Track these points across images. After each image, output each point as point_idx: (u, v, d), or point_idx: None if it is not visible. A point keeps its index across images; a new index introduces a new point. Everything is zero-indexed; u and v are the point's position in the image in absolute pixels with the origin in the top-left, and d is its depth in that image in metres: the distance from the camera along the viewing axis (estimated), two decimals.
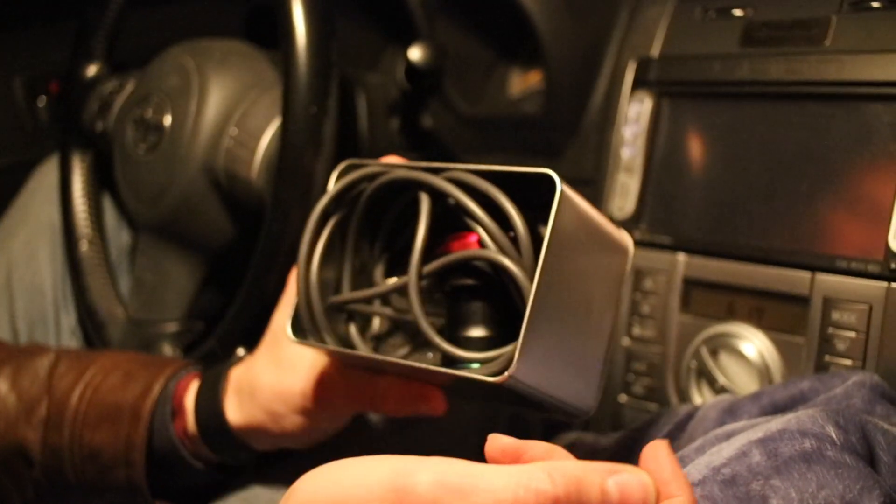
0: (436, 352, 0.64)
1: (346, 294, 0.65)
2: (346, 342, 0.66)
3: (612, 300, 0.61)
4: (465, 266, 0.59)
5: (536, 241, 0.56)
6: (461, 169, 0.59)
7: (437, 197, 0.60)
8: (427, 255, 0.60)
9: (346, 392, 0.70)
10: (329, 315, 0.65)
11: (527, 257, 0.56)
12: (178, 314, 1.04)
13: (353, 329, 0.67)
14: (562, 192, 0.55)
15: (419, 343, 0.67)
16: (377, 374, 0.69)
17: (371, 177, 0.63)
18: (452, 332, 0.60)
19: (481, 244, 0.58)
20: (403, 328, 0.68)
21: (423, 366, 0.59)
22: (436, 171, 0.60)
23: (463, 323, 0.60)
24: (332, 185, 0.64)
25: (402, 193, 0.65)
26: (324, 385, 0.71)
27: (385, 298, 0.68)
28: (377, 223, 0.68)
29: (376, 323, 0.68)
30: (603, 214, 0.61)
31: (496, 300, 0.60)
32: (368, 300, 0.66)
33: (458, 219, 0.59)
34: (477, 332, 0.60)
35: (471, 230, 0.59)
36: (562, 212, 0.55)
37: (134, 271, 1.10)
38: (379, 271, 0.68)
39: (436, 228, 0.61)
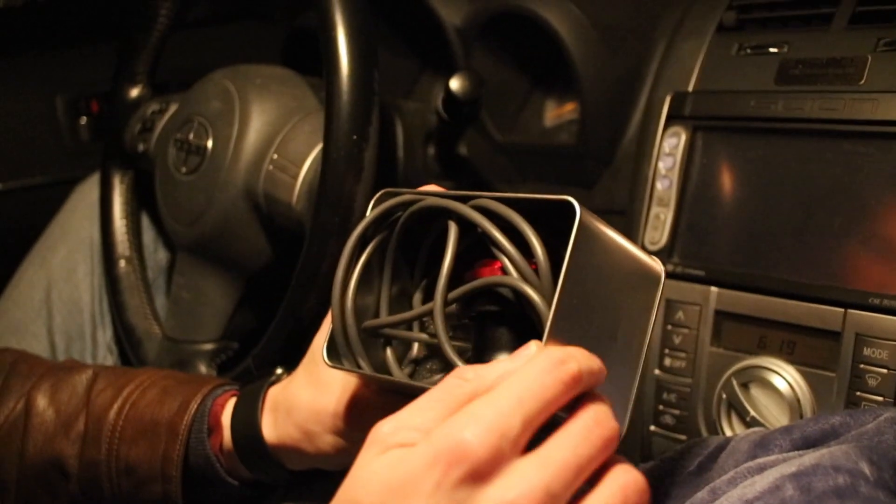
0: None
1: (380, 319, 0.66)
2: (383, 367, 0.67)
3: (642, 327, 0.61)
4: (491, 293, 0.60)
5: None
6: (488, 197, 0.60)
7: (467, 225, 0.61)
8: (458, 282, 0.61)
9: (381, 415, 0.71)
10: (365, 340, 0.66)
11: (546, 284, 0.56)
12: (214, 334, 1.05)
13: (389, 354, 0.67)
14: (580, 217, 0.55)
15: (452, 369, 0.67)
16: (412, 398, 0.70)
17: (406, 204, 0.64)
18: (479, 358, 0.61)
19: (505, 271, 0.59)
20: (439, 354, 0.69)
21: None
22: (465, 199, 0.61)
23: (489, 349, 0.61)
24: (370, 212, 0.65)
25: (438, 221, 0.66)
26: (357, 406, 0.72)
27: (423, 324, 0.69)
28: (415, 250, 0.69)
29: (415, 349, 0.69)
30: (633, 242, 0.61)
31: (522, 327, 0.60)
32: (400, 325, 0.67)
33: (484, 250, 0.60)
34: (502, 357, 0.60)
35: (496, 260, 0.60)
36: (581, 238, 0.55)
37: (171, 290, 1.11)
38: (417, 298, 0.68)
39: (470, 256, 0.62)
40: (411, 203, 0.64)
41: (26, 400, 0.80)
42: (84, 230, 1.20)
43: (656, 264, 0.62)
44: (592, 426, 0.49)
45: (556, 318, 0.54)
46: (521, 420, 0.47)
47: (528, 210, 0.58)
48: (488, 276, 0.60)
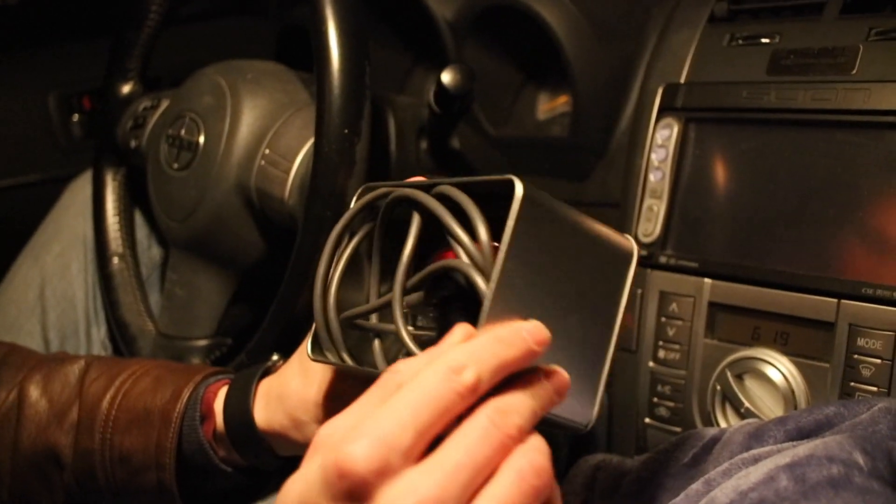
0: None
1: (354, 310, 0.66)
2: (371, 360, 0.67)
3: (612, 308, 0.60)
4: (449, 279, 0.59)
5: None
6: (446, 182, 0.59)
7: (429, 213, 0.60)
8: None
9: None
10: (350, 333, 0.65)
11: (489, 265, 0.54)
12: (208, 330, 1.05)
13: (377, 346, 0.67)
14: (523, 194, 0.53)
15: None
16: None
17: (384, 196, 0.64)
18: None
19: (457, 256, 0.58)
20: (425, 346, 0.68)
21: None
22: (428, 188, 0.60)
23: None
24: (352, 205, 0.66)
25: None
26: (335, 397, 0.72)
27: (414, 317, 0.69)
28: (402, 245, 0.69)
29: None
30: (600, 223, 0.60)
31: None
32: (369, 314, 0.66)
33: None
34: None
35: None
36: (526, 216, 0.53)
37: (164, 287, 1.11)
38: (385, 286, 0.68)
39: (434, 246, 0.62)
40: (388, 195, 0.63)
41: (19, 391, 0.80)
42: (77, 227, 1.20)
43: (627, 242, 0.61)
44: (488, 425, 0.47)
45: (495, 301, 0.52)
46: (412, 431, 0.46)
47: (484, 194, 0.57)
48: (438, 262, 0.59)
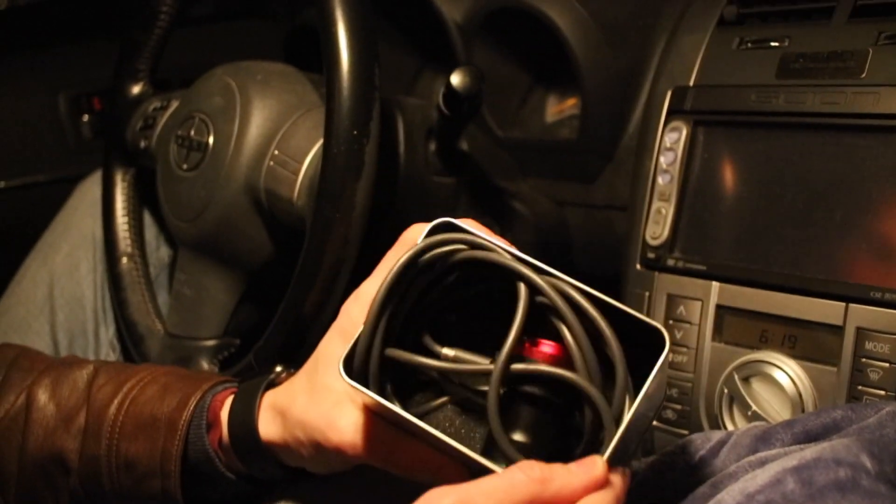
0: (479, 437, 0.64)
1: (412, 356, 0.62)
2: (385, 392, 0.64)
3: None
4: (548, 378, 0.59)
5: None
6: (571, 284, 0.58)
7: (532, 295, 0.59)
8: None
9: (363, 440, 0.69)
10: (381, 366, 0.63)
11: (619, 402, 0.56)
12: (216, 331, 1.05)
13: (389, 387, 0.64)
14: (668, 351, 0.55)
15: (465, 420, 0.65)
16: (407, 433, 0.69)
17: (468, 244, 0.61)
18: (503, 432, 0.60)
19: (572, 365, 0.57)
20: (455, 401, 0.66)
21: (473, 455, 0.58)
22: (538, 270, 0.59)
23: (518, 428, 0.60)
24: (422, 239, 0.61)
25: (493, 276, 0.62)
26: (338, 429, 0.69)
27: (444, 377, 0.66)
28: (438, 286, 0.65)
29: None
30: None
31: (555, 416, 0.60)
32: (432, 369, 0.64)
33: (539, 319, 0.59)
34: (523, 437, 0.59)
35: (552, 338, 0.59)
36: (661, 370, 0.56)
37: (173, 287, 1.11)
38: (427, 336, 0.65)
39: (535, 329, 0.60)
40: (475, 245, 0.60)
41: (27, 395, 0.80)
42: (86, 227, 1.20)
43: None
44: None
45: (620, 441, 0.55)
46: None
47: (604, 312, 0.57)
48: (566, 371, 0.57)
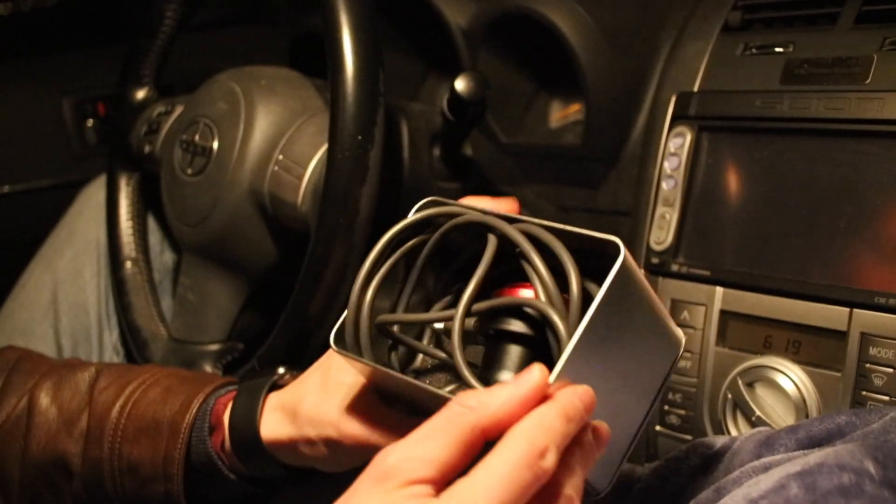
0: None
1: (396, 315, 0.66)
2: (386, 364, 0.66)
3: (652, 389, 0.61)
4: (513, 313, 0.60)
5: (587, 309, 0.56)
6: (534, 223, 0.60)
7: (505, 248, 0.61)
8: (479, 299, 0.61)
9: (377, 426, 0.70)
10: (374, 337, 0.65)
11: (574, 318, 0.55)
12: (220, 335, 1.05)
13: (394, 358, 0.67)
14: (623, 258, 0.55)
15: (458, 386, 0.66)
16: (412, 414, 0.69)
17: (450, 215, 0.64)
18: (486, 374, 0.61)
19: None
20: (446, 368, 0.68)
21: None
22: (510, 221, 0.61)
23: (496, 367, 0.61)
24: (412, 216, 0.65)
25: (475, 241, 0.65)
26: (357, 416, 0.70)
27: (437, 339, 0.68)
28: (446, 264, 0.68)
29: (418, 359, 0.69)
30: (663, 305, 0.61)
31: (534, 353, 0.60)
32: (412, 328, 0.66)
33: (517, 275, 0.60)
34: (509, 377, 0.60)
35: (527, 283, 0.59)
36: (619, 279, 0.55)
37: (177, 291, 1.12)
38: (437, 308, 0.68)
39: (492, 280, 0.62)
40: (455, 214, 0.63)
41: (29, 397, 0.80)
42: (90, 232, 1.21)
43: (678, 332, 0.62)
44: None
45: (575, 352, 0.54)
46: None
47: (569, 244, 0.58)
48: (519, 296, 0.59)
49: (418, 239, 0.66)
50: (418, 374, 0.68)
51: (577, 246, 0.58)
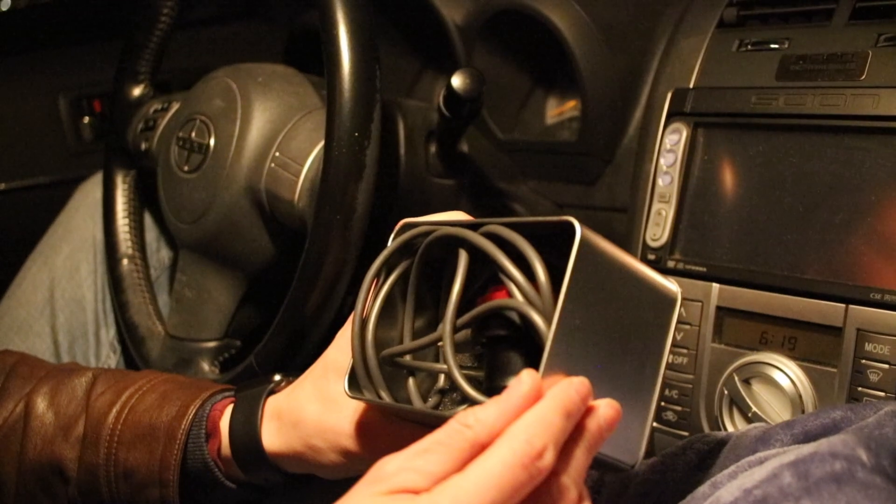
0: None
1: (396, 347, 0.65)
2: (407, 398, 0.66)
3: (658, 351, 0.60)
4: (501, 317, 0.60)
5: None
6: (496, 222, 0.59)
7: (478, 253, 0.60)
8: (470, 308, 0.61)
9: (389, 442, 0.70)
10: (387, 370, 0.65)
11: (548, 306, 0.55)
12: (217, 332, 1.05)
13: (411, 384, 0.66)
14: (581, 236, 0.54)
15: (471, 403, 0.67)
16: (433, 429, 0.69)
17: (424, 235, 0.63)
18: (491, 383, 0.61)
19: (511, 296, 0.58)
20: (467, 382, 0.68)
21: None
22: (479, 226, 0.60)
23: (500, 374, 0.60)
24: (390, 244, 0.65)
25: (456, 253, 0.64)
26: (367, 432, 0.70)
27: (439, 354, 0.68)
28: (439, 280, 0.68)
29: (441, 379, 0.68)
30: (646, 264, 0.61)
31: (532, 351, 0.59)
32: (419, 353, 0.66)
33: (499, 278, 0.60)
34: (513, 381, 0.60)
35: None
36: (583, 257, 0.54)
37: (173, 288, 1.11)
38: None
39: (481, 287, 0.62)
40: (428, 233, 0.63)
41: (25, 402, 0.80)
42: (87, 229, 1.20)
43: (672, 285, 0.62)
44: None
45: (556, 341, 0.53)
46: None
47: (536, 234, 0.57)
48: (492, 301, 0.59)
49: (405, 264, 0.66)
50: (444, 392, 0.68)
51: (543, 232, 0.58)
